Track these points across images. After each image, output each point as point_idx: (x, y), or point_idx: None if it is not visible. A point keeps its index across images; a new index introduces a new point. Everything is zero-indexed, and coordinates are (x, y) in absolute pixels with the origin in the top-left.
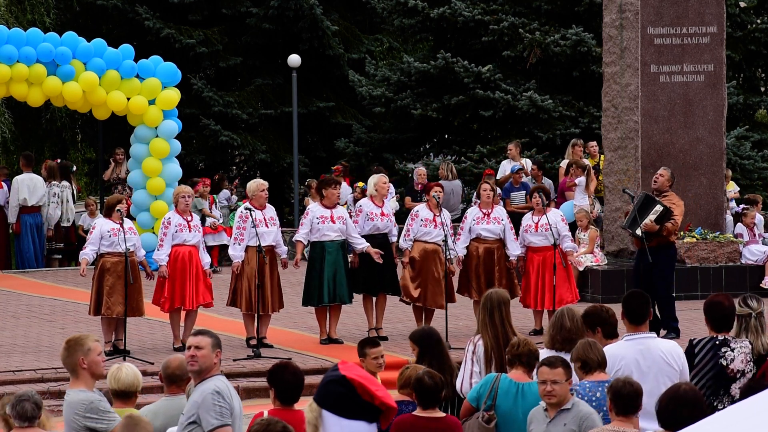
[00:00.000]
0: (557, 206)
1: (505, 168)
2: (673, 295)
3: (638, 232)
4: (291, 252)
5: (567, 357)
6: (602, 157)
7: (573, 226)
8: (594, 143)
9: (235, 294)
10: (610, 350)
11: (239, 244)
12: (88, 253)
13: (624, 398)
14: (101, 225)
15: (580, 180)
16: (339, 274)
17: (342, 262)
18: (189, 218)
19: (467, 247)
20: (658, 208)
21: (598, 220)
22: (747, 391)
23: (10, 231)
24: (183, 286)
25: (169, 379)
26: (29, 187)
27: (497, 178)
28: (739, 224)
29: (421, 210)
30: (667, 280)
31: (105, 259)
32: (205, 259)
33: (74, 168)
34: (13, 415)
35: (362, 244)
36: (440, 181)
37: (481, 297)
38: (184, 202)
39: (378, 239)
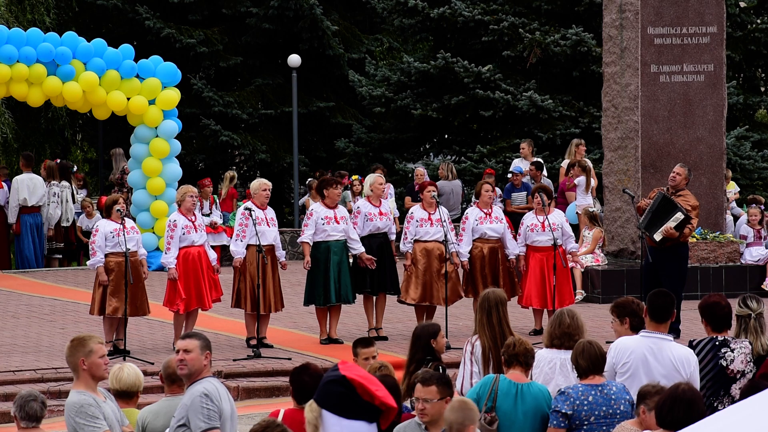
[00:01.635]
0: (558, 206)
1: (517, 166)
2: (682, 295)
3: (657, 237)
4: (291, 252)
5: (566, 355)
6: None
7: (574, 228)
8: None
9: (238, 295)
10: (623, 342)
11: (241, 241)
12: (100, 258)
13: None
14: (103, 227)
15: (580, 180)
16: (343, 274)
17: (346, 262)
18: (193, 218)
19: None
20: (679, 215)
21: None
22: (747, 391)
23: (11, 231)
24: (198, 286)
25: (170, 379)
26: (29, 187)
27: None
28: (744, 225)
29: (416, 211)
30: (680, 279)
31: (108, 260)
32: (212, 255)
33: (75, 168)
34: (21, 415)
35: (357, 250)
36: (440, 181)
37: None
38: (191, 200)
39: (379, 238)
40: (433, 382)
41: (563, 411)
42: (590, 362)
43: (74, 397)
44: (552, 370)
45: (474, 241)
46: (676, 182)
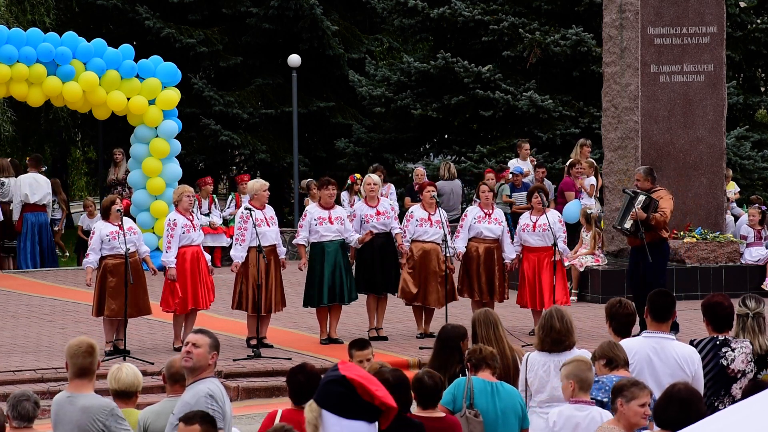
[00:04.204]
0: (557, 206)
1: (516, 166)
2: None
3: (627, 225)
4: (290, 253)
5: (560, 357)
6: None
7: (578, 227)
8: None
9: (240, 297)
10: (626, 344)
11: (240, 245)
12: (91, 260)
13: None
14: (100, 230)
15: (592, 179)
16: (339, 275)
17: (342, 262)
18: (191, 217)
19: (467, 247)
20: (641, 198)
21: (598, 220)
22: (749, 391)
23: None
24: (195, 287)
25: (173, 379)
26: (31, 185)
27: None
28: (744, 225)
29: (416, 210)
30: (661, 274)
31: (107, 261)
32: (207, 256)
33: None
34: (14, 415)
35: (353, 237)
36: (440, 181)
37: (481, 297)
38: (188, 200)
39: (380, 238)
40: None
41: (599, 399)
42: (625, 354)
43: (99, 401)
44: (547, 373)
45: (471, 240)
46: (638, 187)
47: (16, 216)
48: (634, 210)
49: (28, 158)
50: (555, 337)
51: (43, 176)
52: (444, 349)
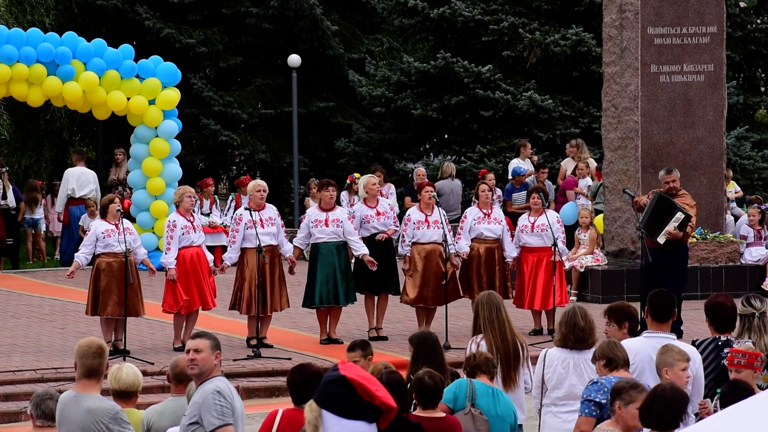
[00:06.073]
0: (558, 206)
1: (517, 166)
2: (683, 295)
3: (660, 240)
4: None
5: (579, 355)
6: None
7: (575, 227)
8: None
9: (235, 298)
10: (628, 345)
11: (231, 246)
12: (80, 256)
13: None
14: (96, 227)
15: (588, 180)
16: (334, 276)
17: (338, 264)
18: (191, 218)
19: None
20: (679, 215)
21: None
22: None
23: (59, 221)
24: (200, 286)
25: (177, 379)
26: (78, 179)
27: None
28: (744, 225)
29: (413, 213)
30: (680, 279)
31: (100, 260)
32: (208, 256)
33: (6, 168)
34: (38, 414)
35: (359, 250)
36: (440, 181)
37: None
38: (189, 201)
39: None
40: None
41: (596, 400)
42: (625, 354)
43: (104, 403)
44: (566, 369)
45: (472, 240)
46: (676, 189)
47: (59, 208)
48: (670, 228)
49: (74, 153)
50: (579, 335)
51: (90, 170)
52: (422, 349)
